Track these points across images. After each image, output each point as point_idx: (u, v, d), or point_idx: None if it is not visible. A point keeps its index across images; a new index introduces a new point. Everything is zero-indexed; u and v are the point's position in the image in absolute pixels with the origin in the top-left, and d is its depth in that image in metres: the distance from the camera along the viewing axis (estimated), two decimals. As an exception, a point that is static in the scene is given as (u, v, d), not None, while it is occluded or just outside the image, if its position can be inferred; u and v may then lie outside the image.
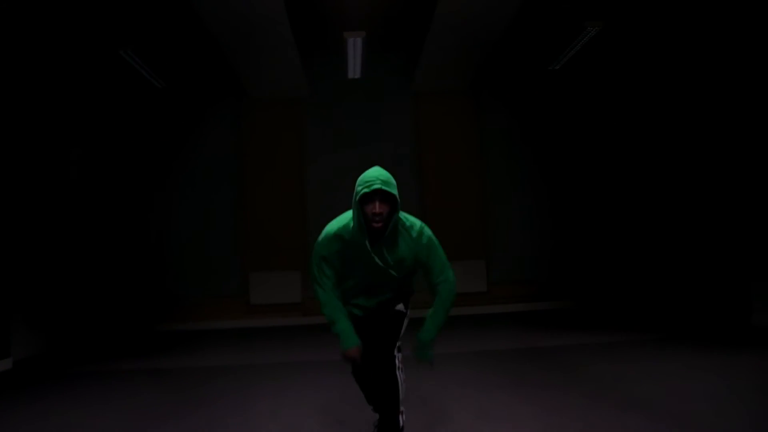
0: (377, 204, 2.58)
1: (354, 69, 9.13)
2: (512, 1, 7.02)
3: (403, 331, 2.96)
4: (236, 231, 10.17)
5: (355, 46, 7.91)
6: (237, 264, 10.10)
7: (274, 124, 10.22)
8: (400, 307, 2.97)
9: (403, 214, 2.79)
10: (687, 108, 8.38)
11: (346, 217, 2.80)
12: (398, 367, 2.85)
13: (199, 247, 10.11)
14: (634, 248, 10.01)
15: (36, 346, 7.31)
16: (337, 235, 2.77)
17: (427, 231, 2.83)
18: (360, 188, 2.61)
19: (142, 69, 8.44)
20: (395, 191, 2.62)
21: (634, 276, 9.94)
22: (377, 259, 2.74)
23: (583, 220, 10.50)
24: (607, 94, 10.42)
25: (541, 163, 10.58)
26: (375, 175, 2.62)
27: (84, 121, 8.75)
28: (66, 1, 7.12)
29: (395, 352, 2.88)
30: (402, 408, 2.91)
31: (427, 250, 2.80)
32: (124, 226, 9.86)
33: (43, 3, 7.05)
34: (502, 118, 10.60)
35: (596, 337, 6.71)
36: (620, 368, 4.95)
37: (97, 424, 3.99)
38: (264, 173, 10.14)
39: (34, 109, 7.51)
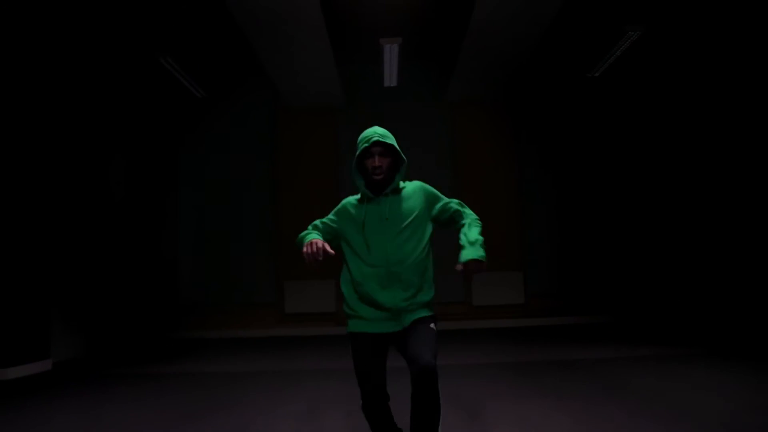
0: (376, 158, 2.57)
1: (390, 77, 9.11)
2: (549, 8, 6.89)
3: (436, 343, 2.48)
4: (271, 239, 10.21)
5: (391, 53, 7.89)
6: (271, 272, 10.12)
7: (309, 131, 10.29)
8: (426, 314, 2.54)
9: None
10: (733, 117, 8.07)
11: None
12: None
13: (234, 254, 10.18)
14: (676, 261, 9.66)
15: (75, 348, 7.45)
16: (345, 205, 2.71)
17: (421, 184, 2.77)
18: (359, 146, 2.61)
19: (182, 77, 8.58)
20: (394, 143, 2.61)
21: (677, 289, 9.58)
22: (386, 210, 2.56)
23: (624, 232, 10.19)
24: (650, 102, 10.15)
25: (580, 174, 10.34)
26: (372, 130, 2.62)
27: (125, 128, 8.93)
28: (104, 9, 7.30)
29: (435, 361, 2.36)
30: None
31: (432, 193, 2.71)
32: (161, 232, 10.00)
33: (80, 12, 7.24)
34: (539, 128, 10.43)
35: (636, 351, 6.46)
36: (663, 382, 4.71)
37: (131, 423, 3.99)
38: (298, 181, 10.19)
39: (77, 116, 7.69)
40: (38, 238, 6.66)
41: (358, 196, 2.69)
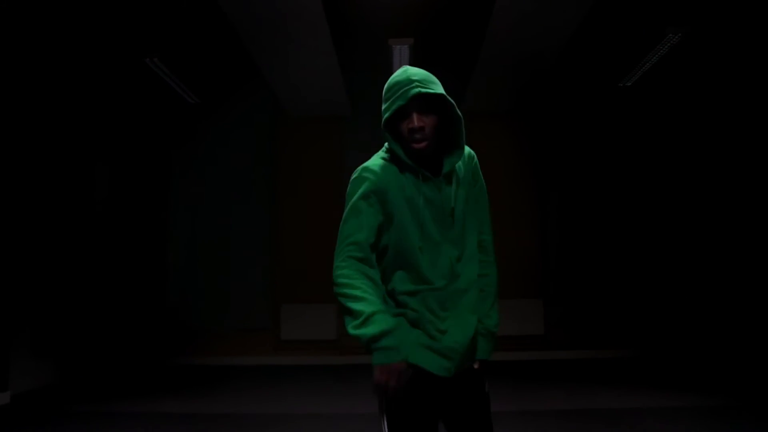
0: (415, 116, 1.67)
1: (400, 83, 8.37)
2: (578, 9, 6.09)
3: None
4: (267, 259, 9.42)
5: (401, 55, 7.16)
6: (267, 295, 9.32)
7: (311, 145, 9.51)
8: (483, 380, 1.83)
9: None
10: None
11: (374, 158, 1.83)
12: None
13: (226, 275, 9.38)
14: (712, 292, 8.77)
15: (40, 377, 6.68)
16: (381, 179, 1.73)
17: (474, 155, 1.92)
18: (389, 104, 1.70)
19: (172, 81, 7.91)
20: (442, 90, 1.72)
21: (710, 323, 8.68)
22: (449, 199, 1.75)
23: (654, 257, 9.25)
24: (689, 115, 9.24)
25: (607, 193, 9.41)
26: (405, 74, 1.70)
27: (110, 135, 8.30)
28: (87, 7, 6.67)
29: None
30: None
31: (479, 180, 1.93)
32: (145, 248, 9.28)
33: (62, 8, 6.62)
34: (563, 142, 9.56)
35: (668, 399, 5.63)
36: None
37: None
38: (299, 197, 9.40)
39: (55, 122, 7.04)
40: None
41: (379, 163, 1.77)
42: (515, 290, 8.96)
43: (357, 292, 1.58)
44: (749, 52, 7.76)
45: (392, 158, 1.76)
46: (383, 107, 1.73)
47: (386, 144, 1.80)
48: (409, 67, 1.73)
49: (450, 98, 1.74)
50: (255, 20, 6.28)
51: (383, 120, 1.72)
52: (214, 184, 9.62)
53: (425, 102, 1.69)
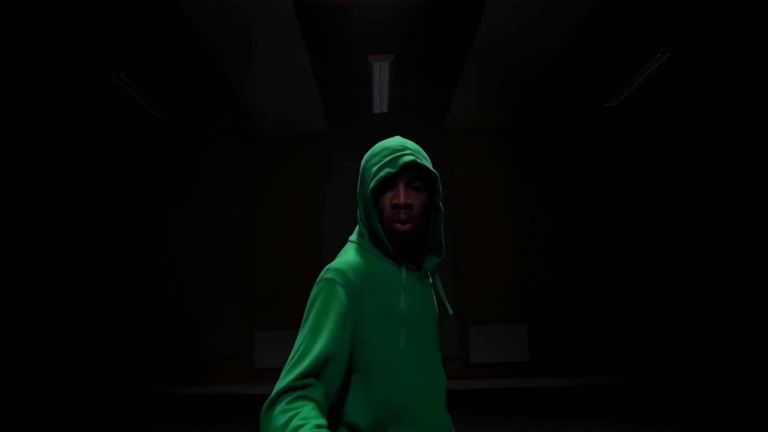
0: (402, 190, 1.33)
1: (380, 102, 8.10)
2: (565, 31, 5.89)
3: None
4: (242, 283, 9.04)
5: (381, 73, 6.86)
6: (240, 320, 8.94)
7: (287, 165, 9.17)
8: None
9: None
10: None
11: (347, 251, 1.41)
12: None
13: (199, 299, 9.00)
14: (701, 316, 8.56)
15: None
16: (355, 281, 1.30)
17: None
18: (376, 169, 1.34)
19: (139, 97, 7.55)
20: (431, 167, 1.38)
21: (699, 348, 8.47)
22: (430, 299, 1.44)
23: (641, 281, 9.02)
24: (676, 135, 9.08)
25: (593, 215, 9.19)
26: (398, 143, 1.38)
27: (78, 154, 7.95)
28: (53, 20, 6.32)
29: None
30: None
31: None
32: (115, 271, 8.92)
33: (27, 20, 6.26)
34: (548, 162, 9.33)
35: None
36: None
37: None
38: (274, 219, 9.05)
39: (22, 140, 6.66)
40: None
41: (357, 258, 1.35)
42: (499, 315, 8.76)
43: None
44: (736, 71, 7.65)
45: (367, 248, 1.39)
46: (368, 173, 1.37)
47: (356, 229, 1.45)
48: (402, 138, 1.42)
49: (439, 184, 1.40)
50: (228, 37, 5.99)
51: (369, 189, 1.34)
52: (186, 206, 9.26)
53: (416, 177, 1.35)
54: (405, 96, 9.01)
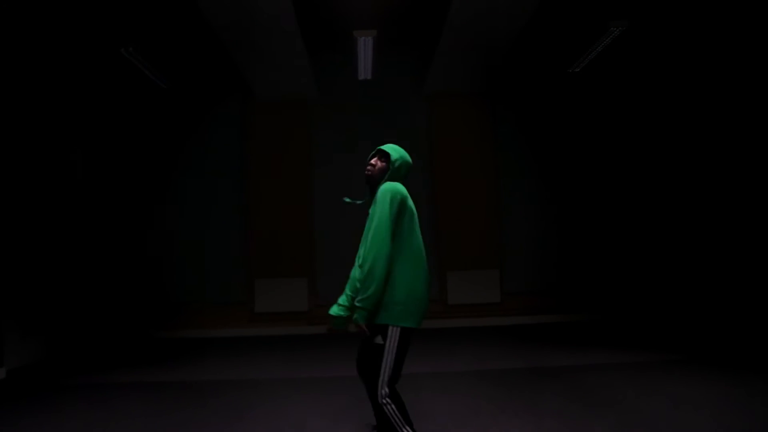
0: (373, 159, 3.05)
1: (364, 70, 8.80)
2: (530, 1, 6.64)
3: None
4: (241, 236, 9.88)
5: (365, 46, 7.57)
6: (241, 270, 9.81)
7: (280, 126, 9.91)
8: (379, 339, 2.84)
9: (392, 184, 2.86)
10: (715, 112, 7.96)
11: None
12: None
13: (202, 252, 9.83)
14: (658, 257, 9.59)
15: (32, 354, 7.05)
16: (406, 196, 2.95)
17: (388, 186, 2.84)
18: (404, 171, 3.07)
19: (145, 68, 8.15)
20: (391, 151, 2.96)
21: (659, 287, 9.51)
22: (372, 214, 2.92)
23: (604, 227, 10.07)
24: (630, 98, 10.01)
25: (559, 169, 10.17)
26: (410, 160, 3.12)
27: (87, 122, 8.51)
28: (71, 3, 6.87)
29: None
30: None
31: (373, 206, 2.87)
32: (125, 229, 9.64)
33: (42, 1, 6.81)
34: (518, 122, 10.20)
35: (617, 356, 6.28)
36: (644, 395, 4.56)
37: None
38: (270, 177, 9.83)
39: (35, 109, 7.26)
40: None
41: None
42: (475, 262, 9.66)
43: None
44: (682, 42, 8.41)
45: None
46: (404, 168, 3.04)
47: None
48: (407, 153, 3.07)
49: (393, 158, 2.98)
50: (226, 10, 6.62)
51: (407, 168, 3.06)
52: (190, 166, 9.98)
53: (381, 154, 3.08)
54: (388, 63, 9.73)
